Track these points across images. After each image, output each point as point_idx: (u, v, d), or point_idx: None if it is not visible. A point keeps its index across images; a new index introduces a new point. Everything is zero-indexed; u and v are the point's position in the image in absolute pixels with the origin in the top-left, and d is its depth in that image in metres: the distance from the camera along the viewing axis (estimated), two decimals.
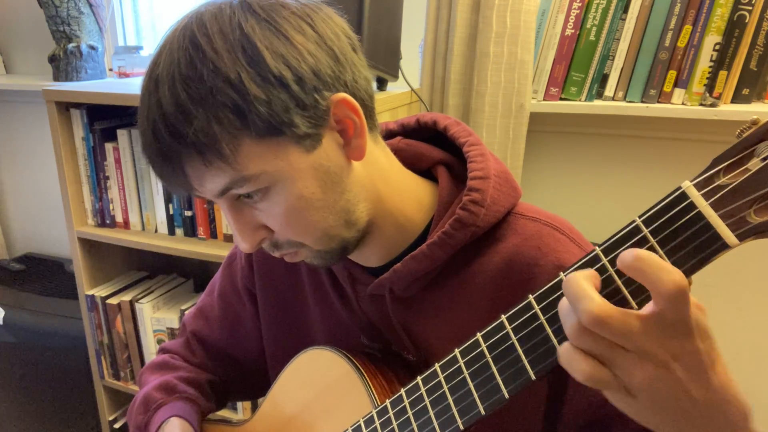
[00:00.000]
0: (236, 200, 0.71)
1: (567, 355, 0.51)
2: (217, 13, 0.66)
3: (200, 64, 0.62)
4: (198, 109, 0.62)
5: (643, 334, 0.48)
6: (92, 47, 2.17)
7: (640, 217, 0.51)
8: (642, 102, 1.61)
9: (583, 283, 0.49)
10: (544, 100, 1.69)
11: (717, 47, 1.51)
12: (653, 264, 0.47)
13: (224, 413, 1.91)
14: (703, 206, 0.48)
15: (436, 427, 0.67)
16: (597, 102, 1.66)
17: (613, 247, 0.52)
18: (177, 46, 0.65)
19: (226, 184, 0.67)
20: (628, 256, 0.48)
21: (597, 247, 0.53)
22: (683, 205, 0.49)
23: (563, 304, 0.52)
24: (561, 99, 1.69)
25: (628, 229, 0.52)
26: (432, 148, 0.86)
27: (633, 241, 0.51)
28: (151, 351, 1.95)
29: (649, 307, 0.48)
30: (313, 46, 0.66)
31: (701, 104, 1.55)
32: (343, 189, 0.72)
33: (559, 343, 0.56)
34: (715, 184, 0.48)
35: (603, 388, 0.52)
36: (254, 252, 0.99)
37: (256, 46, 0.63)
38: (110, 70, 2.34)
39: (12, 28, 2.52)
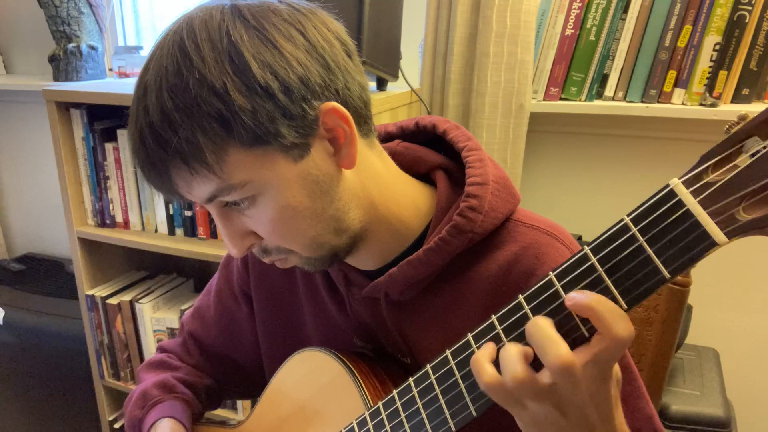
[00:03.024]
0: (224, 206, 0.71)
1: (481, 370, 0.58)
2: (208, 19, 0.65)
3: (187, 72, 0.62)
4: (183, 118, 0.62)
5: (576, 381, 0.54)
6: (92, 47, 2.17)
7: (628, 215, 0.51)
8: (642, 102, 1.61)
9: (551, 330, 0.54)
10: (544, 100, 1.69)
11: (717, 47, 1.50)
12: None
13: (224, 413, 1.91)
14: (692, 204, 0.47)
15: (429, 429, 0.66)
16: (597, 102, 1.65)
17: (602, 246, 0.52)
18: (166, 52, 0.64)
19: (212, 192, 0.67)
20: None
21: (586, 246, 0.53)
22: (672, 203, 0.49)
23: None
24: (561, 99, 1.68)
25: (616, 227, 0.51)
26: (430, 152, 0.85)
27: (622, 240, 0.51)
28: (151, 351, 1.95)
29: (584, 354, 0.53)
30: (302, 55, 0.65)
31: (701, 104, 1.55)
32: (333, 197, 0.72)
33: None
34: (703, 182, 0.48)
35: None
36: (250, 253, 0.99)
37: (243, 55, 0.62)
38: (110, 70, 2.34)
39: (12, 28, 2.52)
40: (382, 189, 0.78)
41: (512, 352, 0.55)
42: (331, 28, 0.70)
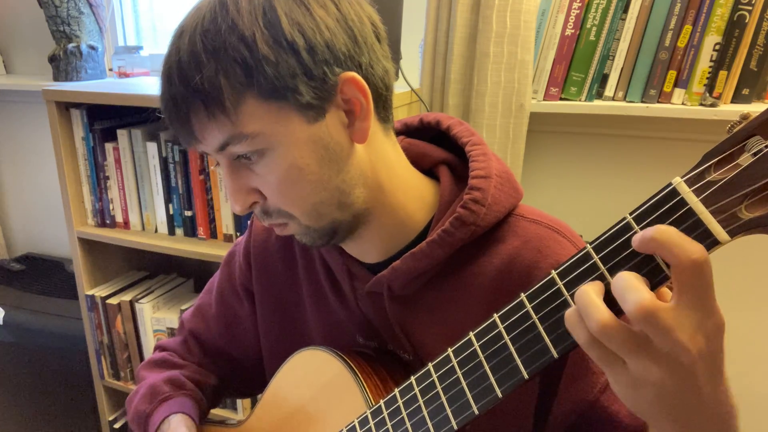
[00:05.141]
0: (235, 160, 0.72)
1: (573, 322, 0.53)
2: None
3: (221, 19, 0.65)
4: (210, 59, 0.65)
5: (671, 329, 0.48)
6: (92, 47, 2.17)
7: (631, 213, 0.51)
8: (642, 102, 1.61)
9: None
10: (544, 100, 1.69)
11: (717, 47, 1.50)
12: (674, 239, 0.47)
13: (224, 413, 1.91)
14: (694, 202, 0.48)
15: (431, 428, 0.66)
16: (597, 102, 1.65)
17: (605, 244, 0.52)
18: (207, 2, 0.68)
19: (225, 139, 0.69)
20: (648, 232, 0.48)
21: (588, 245, 0.53)
22: (674, 201, 0.49)
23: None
24: (561, 99, 1.68)
25: (619, 226, 0.51)
26: (435, 147, 0.87)
27: (624, 238, 0.51)
28: (150, 351, 1.95)
29: (672, 299, 0.48)
30: (332, 22, 0.68)
31: (701, 104, 1.55)
32: (340, 168, 0.73)
33: (551, 341, 0.56)
34: (706, 180, 0.48)
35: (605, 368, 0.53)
36: (252, 250, 0.99)
37: (276, 11, 0.65)
38: (110, 70, 2.34)
39: (12, 28, 2.52)
40: (391, 176, 0.79)
41: (594, 298, 0.50)
42: (365, 9, 0.73)
